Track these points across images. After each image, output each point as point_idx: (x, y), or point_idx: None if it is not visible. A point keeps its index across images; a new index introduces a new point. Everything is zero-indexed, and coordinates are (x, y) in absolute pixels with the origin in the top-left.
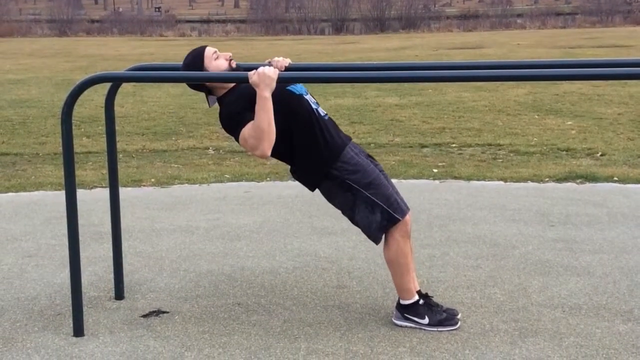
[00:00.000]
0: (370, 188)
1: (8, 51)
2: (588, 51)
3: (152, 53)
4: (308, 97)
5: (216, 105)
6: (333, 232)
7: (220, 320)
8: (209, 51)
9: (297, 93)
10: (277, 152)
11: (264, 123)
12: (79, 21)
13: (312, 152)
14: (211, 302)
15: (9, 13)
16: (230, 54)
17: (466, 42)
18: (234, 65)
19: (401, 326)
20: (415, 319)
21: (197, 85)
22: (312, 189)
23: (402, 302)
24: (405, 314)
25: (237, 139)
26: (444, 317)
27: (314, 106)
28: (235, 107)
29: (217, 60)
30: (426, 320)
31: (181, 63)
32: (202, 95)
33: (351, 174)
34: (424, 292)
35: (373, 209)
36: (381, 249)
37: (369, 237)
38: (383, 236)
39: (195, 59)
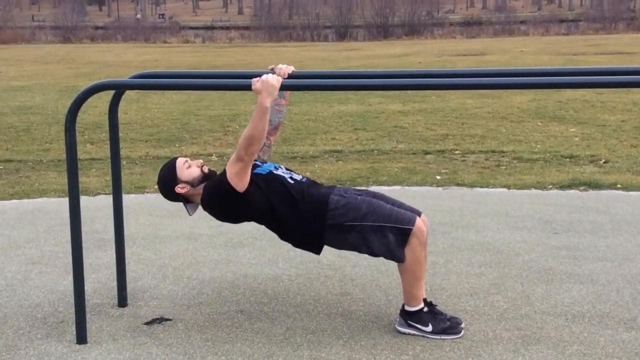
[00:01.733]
0: (368, 217)
1: (12, 58)
2: (591, 58)
3: (156, 59)
4: (279, 171)
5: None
6: None
7: (223, 327)
8: (179, 162)
9: (265, 173)
10: (274, 231)
11: (257, 131)
12: (83, 28)
13: (300, 217)
14: (214, 309)
15: (14, 20)
16: (202, 161)
17: (469, 48)
18: (206, 170)
19: (404, 333)
20: (419, 326)
21: (174, 197)
22: (319, 251)
23: (407, 308)
24: (409, 321)
25: (225, 182)
26: (447, 326)
27: (286, 176)
28: (214, 185)
29: (189, 169)
30: (430, 328)
31: (185, 70)
32: (206, 102)
33: (344, 215)
34: (428, 300)
35: (383, 233)
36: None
37: (394, 259)
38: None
39: (169, 171)
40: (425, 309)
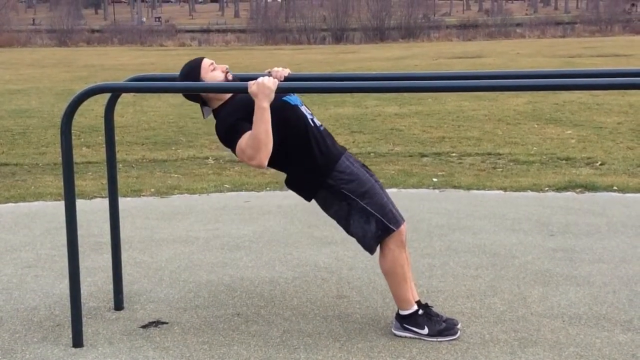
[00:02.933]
0: (365, 197)
1: (8, 61)
2: (587, 60)
3: (152, 63)
4: (303, 108)
5: (212, 116)
6: (333, 242)
7: (219, 330)
8: (205, 62)
9: (293, 104)
10: (272, 162)
11: (261, 134)
12: (79, 31)
13: (308, 162)
14: (210, 312)
15: (10, 23)
16: (227, 66)
17: (466, 51)
18: (230, 77)
19: (400, 336)
20: (415, 329)
21: (193, 95)
22: (309, 199)
23: (401, 312)
24: (405, 324)
25: (233, 151)
26: (443, 327)
27: (309, 117)
28: (232, 118)
29: (213, 72)
30: (426, 331)
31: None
32: None
33: (346, 183)
34: (423, 302)
35: (368, 219)
36: None
37: (364, 247)
38: (378, 247)
39: (192, 69)
40: (420, 312)
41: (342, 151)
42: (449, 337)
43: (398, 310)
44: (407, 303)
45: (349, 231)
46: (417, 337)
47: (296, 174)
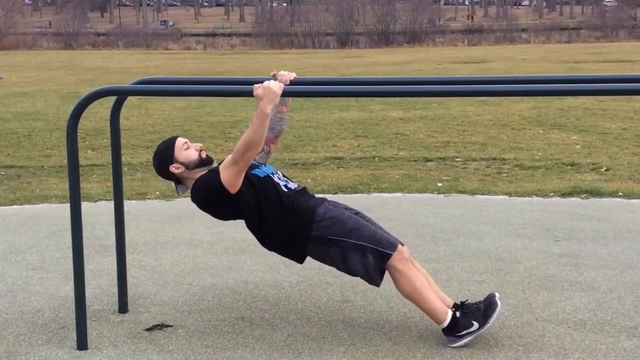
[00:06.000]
0: (352, 234)
1: (14, 64)
2: (593, 66)
3: (157, 66)
4: (276, 176)
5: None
6: None
7: (224, 334)
8: (179, 142)
9: (262, 176)
10: (250, 227)
11: (255, 137)
12: (84, 34)
13: (287, 226)
14: (215, 316)
15: (15, 26)
16: (201, 145)
17: (471, 56)
18: (204, 156)
19: (461, 346)
20: (466, 331)
21: (167, 175)
22: (301, 261)
23: (443, 325)
24: (456, 334)
25: (218, 181)
26: (484, 308)
27: (282, 184)
28: (206, 181)
29: (187, 150)
30: (476, 325)
31: (186, 77)
32: (207, 109)
33: (329, 228)
34: (457, 302)
35: (364, 253)
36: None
37: (369, 281)
38: (382, 278)
39: (166, 149)
40: (458, 314)
41: (319, 202)
42: (495, 311)
43: (440, 326)
44: (440, 314)
45: (350, 272)
46: (475, 335)
47: (278, 239)
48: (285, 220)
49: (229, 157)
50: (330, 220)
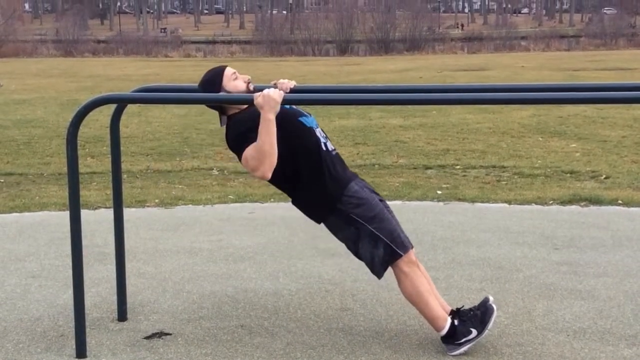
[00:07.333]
0: (374, 222)
1: (14, 71)
2: (592, 74)
3: (157, 73)
4: (318, 130)
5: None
6: (337, 253)
7: (223, 342)
8: (228, 71)
9: (308, 126)
10: (281, 183)
11: (266, 145)
12: (84, 41)
13: (318, 185)
14: (214, 324)
15: (15, 33)
16: (249, 77)
17: (470, 64)
18: (251, 88)
19: (460, 354)
20: (465, 339)
21: (212, 104)
22: (319, 222)
23: (442, 333)
24: (455, 342)
25: (239, 159)
26: (481, 313)
27: (322, 140)
28: (242, 126)
29: (235, 81)
30: (475, 332)
31: (186, 84)
32: (207, 116)
33: (355, 207)
34: (453, 308)
35: (376, 244)
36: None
37: (372, 271)
38: (385, 272)
39: (214, 77)
40: (456, 322)
41: (352, 176)
42: (492, 317)
43: (439, 334)
44: (440, 320)
45: (357, 255)
46: (474, 342)
47: (305, 197)
48: (320, 181)
49: (250, 155)
50: (359, 200)
